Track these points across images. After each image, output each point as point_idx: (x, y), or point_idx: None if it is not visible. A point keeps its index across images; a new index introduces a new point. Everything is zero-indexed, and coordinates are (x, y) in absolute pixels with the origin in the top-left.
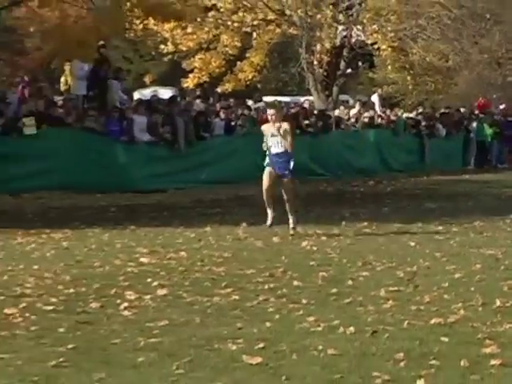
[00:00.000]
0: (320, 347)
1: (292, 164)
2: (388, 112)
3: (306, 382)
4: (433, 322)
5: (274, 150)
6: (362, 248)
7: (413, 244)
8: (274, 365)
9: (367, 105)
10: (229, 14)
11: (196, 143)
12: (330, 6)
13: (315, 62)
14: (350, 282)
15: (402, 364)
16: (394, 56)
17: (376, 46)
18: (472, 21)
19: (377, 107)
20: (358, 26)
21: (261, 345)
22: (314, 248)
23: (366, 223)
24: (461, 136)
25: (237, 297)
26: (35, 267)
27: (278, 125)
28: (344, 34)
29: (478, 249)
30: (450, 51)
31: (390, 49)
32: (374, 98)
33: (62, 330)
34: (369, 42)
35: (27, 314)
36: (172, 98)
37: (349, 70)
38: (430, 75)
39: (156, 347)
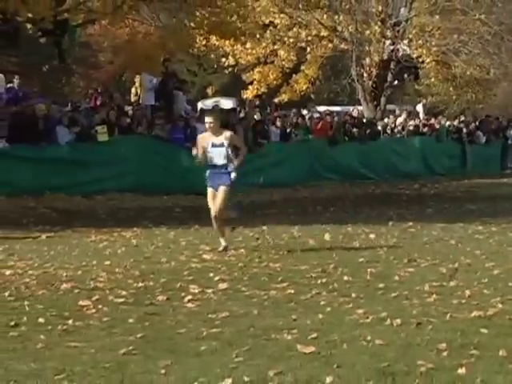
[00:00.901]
0: (368, 338)
1: (233, 176)
2: (432, 120)
3: (355, 369)
4: (473, 314)
5: (215, 161)
6: (407, 246)
7: (454, 242)
8: (325, 353)
9: (412, 114)
10: (285, 31)
11: (254, 149)
12: (379, 23)
13: (364, 75)
14: (396, 278)
15: (444, 354)
16: (437, 69)
17: (421, 60)
18: (511, 36)
19: (421, 116)
20: (405, 41)
21: (314, 335)
22: (363, 246)
23: (411, 223)
24: (499, 142)
25: (292, 291)
26: (107, 263)
27: (219, 134)
28: (391, 48)
29: None
30: (489, 64)
31: (433, 62)
32: (419, 108)
33: (131, 320)
34: (414, 55)
35: (100, 306)
36: (233, 109)
37: (395, 82)
38: (471, 86)
39: (217, 337)
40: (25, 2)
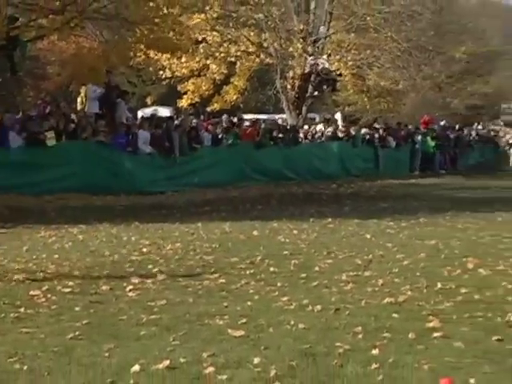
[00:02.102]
0: (292, 322)
1: None
2: (348, 127)
3: (280, 351)
4: (385, 301)
5: None
6: (326, 240)
7: (369, 237)
8: (254, 337)
9: (331, 121)
10: (216, 46)
11: (188, 153)
12: (300, 40)
13: (288, 86)
14: (316, 268)
15: (359, 336)
16: (353, 81)
17: (338, 73)
18: (418, 52)
19: (339, 123)
20: (324, 56)
21: (243, 320)
22: (287, 240)
23: (330, 219)
24: (408, 147)
25: (223, 280)
26: (55, 256)
27: None
28: (312, 62)
29: (423, 240)
30: (399, 77)
31: (350, 75)
32: (337, 116)
33: (77, 308)
34: (332, 69)
35: (49, 295)
36: (170, 117)
37: (316, 93)
38: (383, 97)
39: (156, 322)
40: None
